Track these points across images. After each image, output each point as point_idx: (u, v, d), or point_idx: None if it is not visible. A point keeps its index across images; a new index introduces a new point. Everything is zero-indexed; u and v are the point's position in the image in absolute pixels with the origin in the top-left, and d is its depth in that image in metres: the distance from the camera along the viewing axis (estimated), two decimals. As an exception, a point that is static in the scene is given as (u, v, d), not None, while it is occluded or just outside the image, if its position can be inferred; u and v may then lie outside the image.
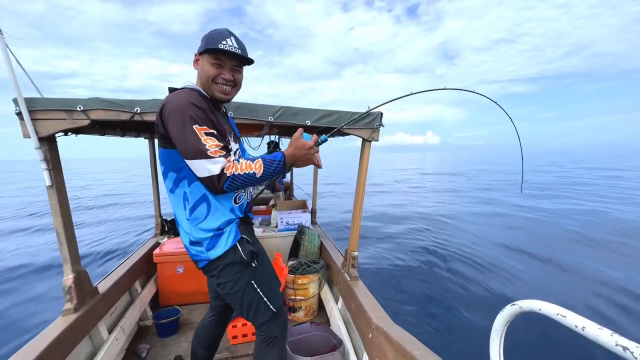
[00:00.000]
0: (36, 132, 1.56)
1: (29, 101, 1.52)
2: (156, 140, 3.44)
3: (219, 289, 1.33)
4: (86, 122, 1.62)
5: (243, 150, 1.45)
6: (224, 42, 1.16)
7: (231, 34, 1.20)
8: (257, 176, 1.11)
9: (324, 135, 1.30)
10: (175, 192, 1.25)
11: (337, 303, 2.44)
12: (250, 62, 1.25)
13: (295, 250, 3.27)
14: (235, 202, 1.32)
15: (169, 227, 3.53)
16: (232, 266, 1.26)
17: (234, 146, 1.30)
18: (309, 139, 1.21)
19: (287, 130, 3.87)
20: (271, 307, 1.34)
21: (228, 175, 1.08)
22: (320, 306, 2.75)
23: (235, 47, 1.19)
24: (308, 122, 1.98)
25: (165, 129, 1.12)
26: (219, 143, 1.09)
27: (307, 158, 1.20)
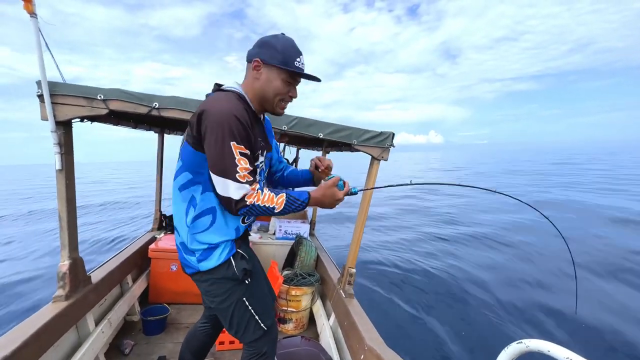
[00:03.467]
0: (54, 116, 1.58)
1: (51, 85, 1.55)
2: (167, 135, 3.47)
3: (207, 300, 1.28)
4: (104, 111, 1.64)
5: (279, 159, 1.40)
6: (298, 60, 1.12)
7: (299, 49, 1.14)
8: (275, 211, 1.09)
9: (355, 188, 1.27)
10: (183, 193, 1.18)
11: (329, 319, 2.40)
12: (318, 81, 1.21)
13: (291, 260, 3.24)
14: (243, 222, 1.27)
15: (167, 223, 3.52)
16: (224, 281, 1.20)
17: (260, 160, 1.24)
18: (342, 189, 1.20)
19: (296, 140, 3.91)
20: (262, 325, 1.27)
21: (247, 203, 1.05)
22: (311, 320, 2.71)
23: (304, 65, 1.15)
24: (321, 135, 2.00)
25: (200, 133, 1.07)
26: (249, 167, 1.06)
27: (334, 205, 1.19)
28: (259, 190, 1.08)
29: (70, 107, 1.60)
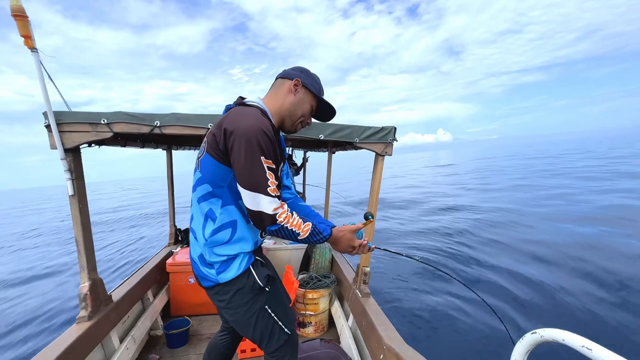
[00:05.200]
0: (62, 144, 1.64)
1: (57, 114, 1.61)
2: (175, 152, 3.54)
3: (227, 315, 1.26)
4: (109, 135, 1.69)
5: (286, 173, 1.42)
6: (323, 94, 1.27)
7: None
8: (299, 238, 1.10)
9: (370, 243, 1.31)
10: (201, 205, 1.18)
11: (347, 320, 2.38)
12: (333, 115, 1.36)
13: (306, 263, 3.25)
14: (261, 236, 1.28)
15: (182, 237, 3.59)
16: (245, 291, 1.19)
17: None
18: (360, 238, 1.24)
19: (300, 143, 3.92)
20: (286, 330, 1.27)
21: (279, 222, 1.06)
22: (331, 322, 2.70)
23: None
24: (321, 136, 1.99)
25: (226, 147, 1.07)
26: (276, 181, 1.07)
27: (345, 250, 1.23)
28: (290, 213, 1.09)
29: (76, 134, 1.66)
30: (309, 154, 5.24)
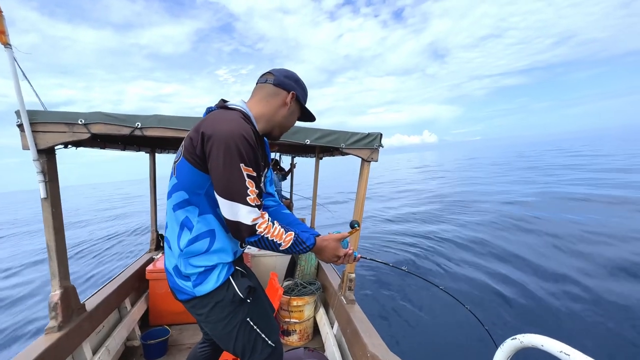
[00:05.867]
0: (35, 144, 1.57)
1: (31, 114, 1.54)
2: (158, 155, 3.45)
3: (206, 328, 1.20)
4: (86, 136, 1.63)
5: (270, 180, 1.38)
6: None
7: None
8: (280, 248, 1.05)
9: (356, 252, 1.28)
10: (177, 213, 1.11)
11: (332, 327, 2.35)
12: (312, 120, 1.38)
13: (291, 270, 3.20)
14: (241, 246, 1.22)
15: (164, 243, 3.48)
16: (224, 304, 1.12)
17: (261, 181, 1.23)
18: (346, 247, 1.21)
19: (287, 148, 3.91)
20: (269, 342, 1.21)
21: (258, 232, 1.01)
22: (315, 330, 2.65)
23: None
24: (308, 141, 1.99)
25: (204, 152, 1.01)
26: (256, 190, 1.02)
27: (330, 260, 1.20)
28: (271, 223, 1.04)
29: (51, 134, 1.60)
30: (296, 159, 5.22)
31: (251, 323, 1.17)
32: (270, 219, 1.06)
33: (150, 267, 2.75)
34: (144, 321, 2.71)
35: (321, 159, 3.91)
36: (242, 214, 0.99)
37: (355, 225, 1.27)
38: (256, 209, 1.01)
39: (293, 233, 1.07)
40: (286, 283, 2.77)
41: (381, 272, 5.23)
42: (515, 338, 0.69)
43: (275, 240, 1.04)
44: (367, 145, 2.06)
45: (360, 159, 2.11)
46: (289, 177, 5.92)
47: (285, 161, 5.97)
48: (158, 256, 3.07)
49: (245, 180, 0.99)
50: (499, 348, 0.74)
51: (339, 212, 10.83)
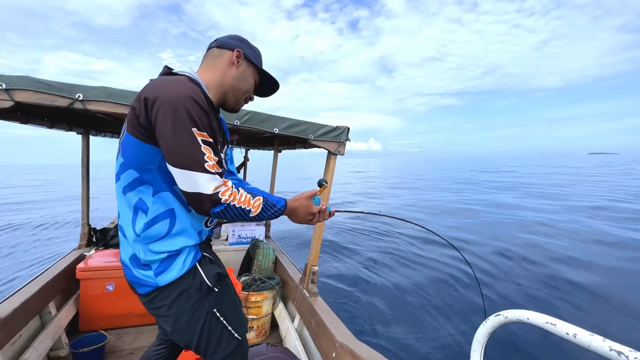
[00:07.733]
0: None
1: None
2: (93, 136, 3.01)
3: (165, 324, 1.07)
4: (8, 104, 1.33)
5: (230, 159, 1.27)
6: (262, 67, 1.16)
7: None
8: (251, 215, 0.95)
9: (330, 207, 1.20)
10: (128, 196, 0.98)
11: (293, 321, 2.31)
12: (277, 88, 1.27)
13: (247, 265, 3.08)
14: (206, 226, 1.11)
15: (97, 238, 3.06)
16: (189, 294, 1.01)
17: (222, 157, 1.10)
18: (318, 204, 1.13)
19: (246, 138, 3.71)
20: (236, 335, 1.12)
21: (223, 201, 0.90)
22: (273, 326, 2.59)
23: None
24: (276, 130, 1.91)
25: (149, 120, 0.89)
26: (216, 157, 0.91)
27: (305, 220, 1.11)
28: (235, 190, 0.93)
29: None
30: (250, 152, 4.98)
31: (218, 314, 1.08)
32: (234, 185, 0.95)
33: (81, 265, 2.39)
34: (72, 327, 2.34)
35: (280, 152, 3.80)
36: (201, 182, 0.87)
37: (324, 183, 1.21)
38: (217, 175, 0.90)
39: (261, 197, 0.98)
40: (243, 278, 2.64)
41: (340, 262, 5.33)
42: (500, 314, 0.74)
43: (243, 207, 0.93)
44: (335, 138, 2.06)
45: (327, 152, 2.10)
46: (241, 173, 5.64)
47: (238, 155, 5.68)
48: (91, 253, 2.68)
49: (201, 146, 0.88)
50: (482, 325, 0.79)
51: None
